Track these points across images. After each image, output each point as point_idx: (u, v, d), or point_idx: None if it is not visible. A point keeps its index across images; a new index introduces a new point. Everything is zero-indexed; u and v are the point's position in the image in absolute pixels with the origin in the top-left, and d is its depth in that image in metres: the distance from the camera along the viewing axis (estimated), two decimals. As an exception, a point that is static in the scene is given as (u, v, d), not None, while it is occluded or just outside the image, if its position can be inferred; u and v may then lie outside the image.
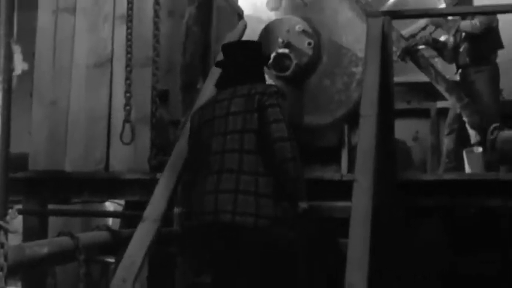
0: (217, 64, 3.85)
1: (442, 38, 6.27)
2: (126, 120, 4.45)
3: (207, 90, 4.25)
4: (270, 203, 3.26)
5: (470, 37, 5.86)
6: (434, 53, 6.39)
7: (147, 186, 4.08)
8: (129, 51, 4.52)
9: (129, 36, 4.53)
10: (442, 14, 5.98)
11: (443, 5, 6.15)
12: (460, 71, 6.04)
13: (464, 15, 5.84)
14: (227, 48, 3.81)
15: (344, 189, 3.65)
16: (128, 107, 4.46)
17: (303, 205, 3.34)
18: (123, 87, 4.52)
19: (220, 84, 3.71)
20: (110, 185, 4.74)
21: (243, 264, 3.30)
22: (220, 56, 3.94)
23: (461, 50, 5.95)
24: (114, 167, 4.75)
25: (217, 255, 3.40)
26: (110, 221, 6.91)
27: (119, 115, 4.61)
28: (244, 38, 4.86)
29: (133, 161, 4.68)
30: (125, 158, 4.71)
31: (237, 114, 3.42)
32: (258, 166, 3.31)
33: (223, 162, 3.35)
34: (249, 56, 3.69)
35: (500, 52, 5.95)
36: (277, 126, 3.32)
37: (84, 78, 4.91)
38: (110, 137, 4.78)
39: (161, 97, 4.63)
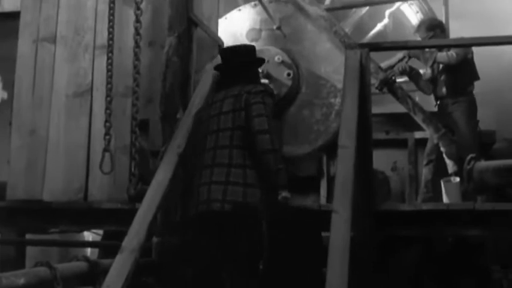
0: (216, 68, 4.23)
1: (422, 71, 6.35)
2: (106, 149, 4.45)
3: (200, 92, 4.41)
4: (257, 192, 3.68)
5: (448, 69, 5.95)
6: (414, 86, 6.47)
7: (126, 216, 4.05)
8: (109, 81, 4.53)
9: (110, 67, 4.55)
10: (420, 47, 6.08)
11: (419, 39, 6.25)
12: (438, 102, 6.12)
13: (441, 48, 5.93)
14: (224, 52, 4.23)
15: (323, 219, 3.66)
16: (107, 137, 4.46)
17: (284, 194, 3.70)
18: (103, 117, 4.52)
19: (218, 86, 4.14)
20: (89, 215, 4.71)
21: (234, 247, 3.69)
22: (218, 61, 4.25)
23: (439, 81, 6.04)
24: (93, 197, 4.72)
25: (210, 241, 3.77)
26: (88, 250, 6.87)
27: (98, 144, 4.60)
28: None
29: (113, 191, 4.66)
30: (104, 188, 4.69)
31: (227, 114, 3.85)
32: (245, 159, 3.71)
33: (215, 157, 3.77)
34: (243, 59, 4.08)
35: (476, 83, 6.04)
36: (259, 120, 3.72)
37: (63, 107, 4.91)
38: (89, 167, 4.76)
39: (141, 127, 4.63)
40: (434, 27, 6.15)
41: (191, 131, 4.17)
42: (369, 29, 9.44)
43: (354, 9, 9.15)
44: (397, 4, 9.15)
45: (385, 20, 9.31)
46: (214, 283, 3.78)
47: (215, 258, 3.79)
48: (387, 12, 9.35)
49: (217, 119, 3.88)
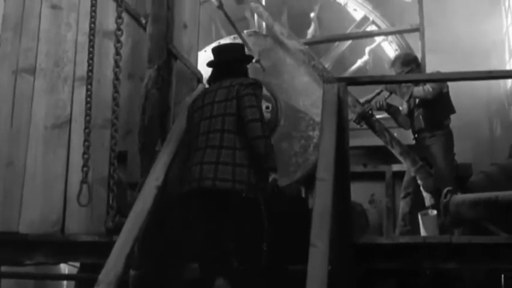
0: (208, 64, 4.57)
1: (400, 108, 6.42)
2: (84, 181, 4.43)
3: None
4: (245, 171, 4.02)
5: (424, 103, 6.02)
6: (393, 123, 6.53)
7: (103, 249, 4.04)
8: (88, 113, 4.53)
9: (88, 98, 4.56)
10: (396, 81, 6.15)
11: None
12: (415, 135, 6.19)
13: (417, 82, 6.01)
14: (216, 49, 4.58)
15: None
16: (85, 168, 4.45)
17: (273, 176, 4.05)
18: (81, 149, 4.51)
19: (210, 80, 4.52)
20: (65, 247, 4.66)
21: (223, 217, 4.04)
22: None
23: (415, 115, 6.11)
24: (70, 229, 4.68)
25: (202, 213, 4.12)
26: (64, 283, 6.80)
27: (76, 176, 4.58)
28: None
29: (90, 223, 4.63)
30: (82, 220, 4.65)
31: (220, 102, 4.22)
32: (235, 142, 4.08)
33: (208, 140, 4.14)
34: (233, 56, 4.49)
35: (452, 116, 6.12)
36: (251, 110, 4.09)
37: (42, 138, 4.87)
38: (66, 199, 4.72)
39: (119, 159, 4.63)
40: (409, 62, 6.24)
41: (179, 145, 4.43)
42: (349, 64, 9.61)
43: (336, 43, 9.31)
44: (377, 41, 9.33)
45: (365, 57, 9.49)
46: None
47: (210, 234, 4.11)
48: (367, 49, 9.54)
49: (211, 107, 4.25)
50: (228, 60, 4.47)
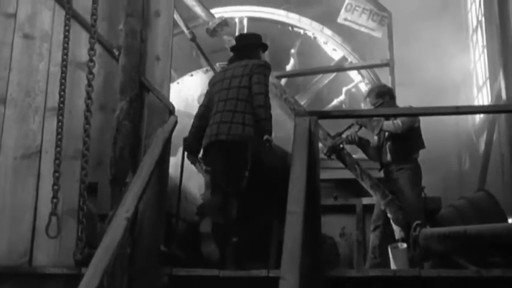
0: (231, 48, 5.86)
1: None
2: (53, 213, 4.39)
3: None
4: (251, 130, 5.15)
5: (393, 136, 6.08)
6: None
7: (71, 281, 3.99)
8: (58, 144, 4.51)
9: (59, 129, 4.54)
10: (366, 115, 6.21)
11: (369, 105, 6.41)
12: (383, 168, 6.24)
13: (387, 116, 6.08)
14: (238, 37, 6.14)
15: (271, 286, 3.65)
16: (55, 200, 4.41)
17: (268, 137, 5.11)
18: (51, 180, 4.48)
19: (230, 60, 5.71)
20: (33, 279, 4.59)
21: (231, 162, 5.16)
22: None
23: (384, 148, 6.16)
24: (38, 261, 4.62)
25: (216, 158, 5.25)
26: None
27: (45, 207, 4.53)
28: (175, 134, 4.99)
29: (59, 255, 4.58)
30: (50, 252, 4.61)
31: (236, 77, 5.36)
32: (246, 108, 5.21)
33: (226, 105, 5.27)
34: (250, 42, 5.70)
35: (422, 150, 6.18)
36: (258, 86, 5.26)
37: (11, 169, 4.84)
38: (35, 230, 4.67)
39: (89, 190, 4.59)
40: (383, 93, 6.34)
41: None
42: (327, 102, 9.75)
43: (314, 81, 9.43)
44: (355, 82, 9.50)
45: (342, 96, 9.66)
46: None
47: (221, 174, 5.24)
48: (344, 89, 9.70)
49: (229, 80, 5.38)
50: (246, 44, 5.67)
